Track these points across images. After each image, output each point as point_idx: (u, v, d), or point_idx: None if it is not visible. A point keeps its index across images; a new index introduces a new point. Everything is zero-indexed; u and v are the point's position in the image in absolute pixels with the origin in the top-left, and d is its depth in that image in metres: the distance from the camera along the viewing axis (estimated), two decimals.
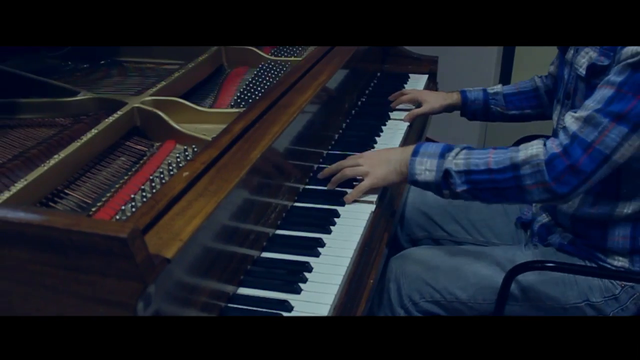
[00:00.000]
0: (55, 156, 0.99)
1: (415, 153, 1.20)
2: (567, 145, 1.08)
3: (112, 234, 0.65)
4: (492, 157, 1.14)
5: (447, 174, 1.16)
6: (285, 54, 1.63)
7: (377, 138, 1.53)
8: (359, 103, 1.74)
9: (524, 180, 1.11)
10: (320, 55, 1.45)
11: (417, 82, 1.92)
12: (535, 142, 1.13)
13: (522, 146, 1.14)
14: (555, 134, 1.35)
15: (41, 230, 0.68)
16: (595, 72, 1.16)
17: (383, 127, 1.60)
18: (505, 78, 2.73)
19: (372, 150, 1.39)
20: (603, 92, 1.07)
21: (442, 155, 1.18)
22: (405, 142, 1.56)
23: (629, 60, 1.04)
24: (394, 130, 1.59)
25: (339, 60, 1.44)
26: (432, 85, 1.98)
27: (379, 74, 1.97)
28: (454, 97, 1.65)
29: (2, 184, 0.95)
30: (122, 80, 1.50)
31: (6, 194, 0.89)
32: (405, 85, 1.89)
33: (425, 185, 1.20)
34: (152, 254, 0.70)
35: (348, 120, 1.62)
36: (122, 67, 1.60)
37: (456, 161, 1.16)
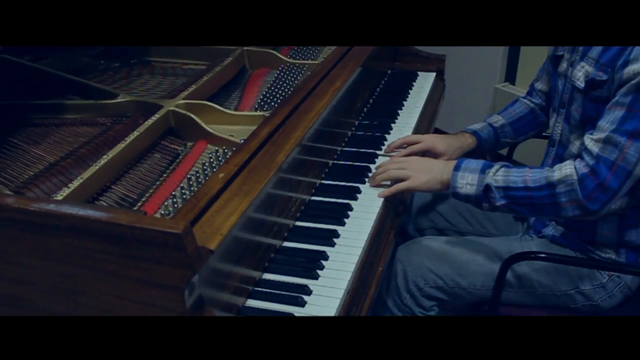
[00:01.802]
0: (105, 156, 1.12)
1: (457, 168, 1.31)
2: (594, 165, 1.18)
3: (169, 230, 0.78)
4: (529, 176, 1.24)
5: (487, 188, 1.26)
6: (302, 57, 1.74)
7: (387, 135, 1.65)
8: (370, 101, 1.85)
9: (559, 197, 1.21)
10: (335, 60, 1.57)
11: (425, 80, 2.03)
12: (567, 162, 1.23)
13: (556, 167, 1.24)
14: (551, 140, 1.47)
15: (108, 225, 0.81)
16: (594, 86, 1.26)
17: (392, 125, 1.71)
18: (510, 75, 2.82)
19: (417, 157, 1.46)
20: (615, 114, 1.17)
21: (483, 171, 1.28)
22: (418, 132, 1.67)
23: (633, 82, 1.14)
24: (402, 126, 1.71)
25: (354, 65, 1.56)
26: (440, 82, 2.09)
27: (389, 72, 2.07)
28: (469, 141, 1.59)
29: (60, 181, 1.08)
30: (152, 79, 1.63)
31: (66, 191, 1.02)
32: (413, 83, 1.99)
33: (465, 198, 1.30)
34: (198, 246, 0.84)
35: (360, 118, 1.73)
36: (150, 66, 1.72)
37: (496, 177, 1.26)
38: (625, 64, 1.16)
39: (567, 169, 1.21)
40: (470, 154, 1.59)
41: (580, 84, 1.29)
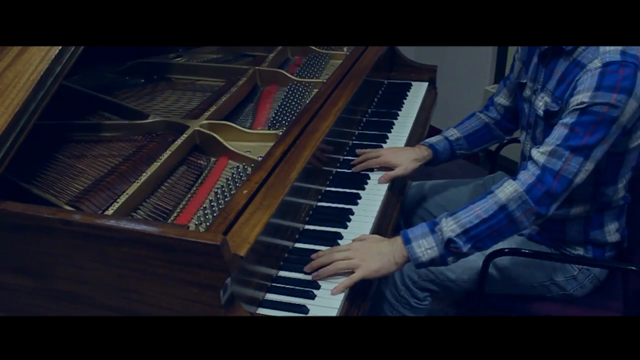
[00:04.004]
0: (144, 173, 1.32)
1: (407, 241, 1.33)
2: (540, 175, 1.32)
3: (210, 242, 0.98)
4: (478, 210, 1.32)
5: (449, 242, 1.31)
6: (308, 75, 1.93)
7: (383, 145, 1.83)
8: (369, 111, 2.03)
9: (514, 214, 1.32)
10: (337, 80, 1.75)
11: (418, 90, 2.20)
12: (505, 183, 1.34)
13: (496, 191, 1.34)
14: (522, 155, 1.65)
15: (160, 238, 1.01)
16: (550, 115, 1.45)
17: (389, 134, 1.90)
18: (498, 77, 2.99)
19: (359, 241, 1.38)
20: (560, 131, 1.34)
21: (433, 231, 1.33)
22: (411, 140, 1.87)
23: (577, 107, 1.31)
24: (397, 135, 1.89)
25: (354, 85, 1.74)
26: (432, 90, 2.27)
27: (385, 82, 2.25)
28: (425, 154, 1.71)
29: (107, 196, 1.28)
30: (172, 95, 1.82)
31: (115, 206, 1.22)
32: (407, 93, 2.18)
33: (430, 262, 1.33)
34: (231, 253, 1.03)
35: (360, 128, 1.92)
36: (171, 82, 1.91)
37: (450, 228, 1.31)
38: (572, 95, 1.34)
39: (509, 187, 1.33)
40: (428, 164, 1.75)
41: (541, 112, 1.48)
